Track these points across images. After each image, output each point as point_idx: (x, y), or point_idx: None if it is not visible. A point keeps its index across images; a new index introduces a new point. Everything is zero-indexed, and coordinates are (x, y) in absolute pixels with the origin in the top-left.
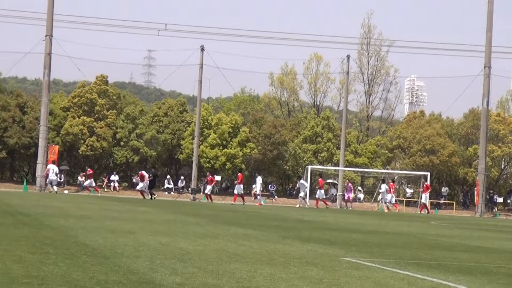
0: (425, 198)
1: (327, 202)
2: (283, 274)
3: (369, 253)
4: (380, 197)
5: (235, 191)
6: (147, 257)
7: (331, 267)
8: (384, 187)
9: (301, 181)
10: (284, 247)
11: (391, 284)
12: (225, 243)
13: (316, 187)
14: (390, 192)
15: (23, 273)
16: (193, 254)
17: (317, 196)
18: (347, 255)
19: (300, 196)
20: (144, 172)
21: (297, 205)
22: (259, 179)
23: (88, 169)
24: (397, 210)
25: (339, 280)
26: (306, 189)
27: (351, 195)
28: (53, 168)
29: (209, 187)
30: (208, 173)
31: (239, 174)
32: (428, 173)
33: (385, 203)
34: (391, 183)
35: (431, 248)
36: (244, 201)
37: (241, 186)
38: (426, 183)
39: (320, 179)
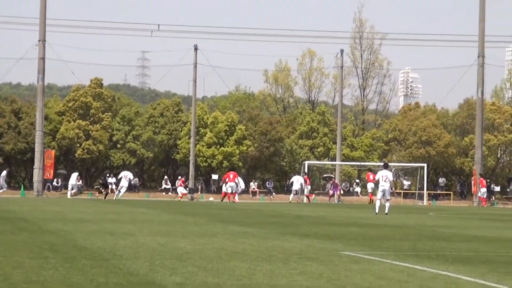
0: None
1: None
2: (283, 270)
3: (368, 246)
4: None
5: (227, 190)
6: (146, 258)
7: (330, 261)
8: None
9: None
10: (283, 243)
11: (391, 277)
12: (224, 242)
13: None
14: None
15: (23, 278)
16: (192, 253)
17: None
18: (347, 249)
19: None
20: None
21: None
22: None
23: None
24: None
25: (339, 274)
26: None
27: (337, 192)
28: (125, 175)
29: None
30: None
31: (232, 172)
32: (425, 165)
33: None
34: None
35: (430, 239)
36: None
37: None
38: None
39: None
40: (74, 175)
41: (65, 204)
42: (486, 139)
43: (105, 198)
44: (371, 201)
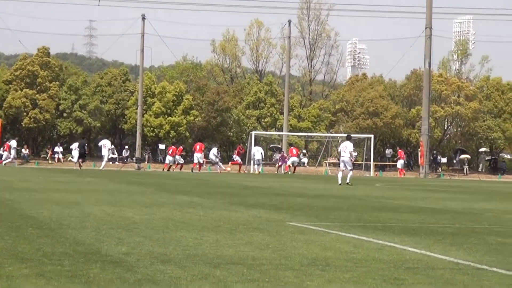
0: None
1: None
2: (229, 241)
3: (314, 217)
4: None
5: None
6: (93, 227)
7: (277, 232)
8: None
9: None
10: (229, 213)
11: (337, 247)
12: (171, 212)
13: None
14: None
15: None
16: (139, 223)
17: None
18: (293, 220)
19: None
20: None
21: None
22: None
23: None
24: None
25: (285, 245)
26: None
27: (287, 163)
28: (104, 144)
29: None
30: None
31: (199, 143)
32: (372, 136)
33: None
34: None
35: (376, 210)
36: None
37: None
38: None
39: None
40: (76, 145)
41: (12, 173)
42: (433, 111)
43: (80, 167)
44: (291, 171)
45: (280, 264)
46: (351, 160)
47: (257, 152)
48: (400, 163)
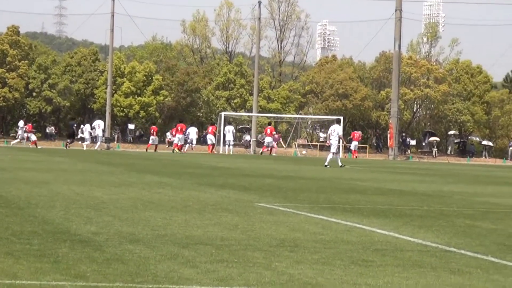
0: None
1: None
2: (198, 221)
3: (283, 198)
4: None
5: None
6: (62, 207)
7: (245, 213)
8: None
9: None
10: (198, 194)
11: (306, 229)
12: (140, 191)
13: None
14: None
15: None
16: (108, 203)
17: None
18: (262, 201)
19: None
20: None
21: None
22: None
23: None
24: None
25: (254, 226)
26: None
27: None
28: (98, 124)
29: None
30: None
31: (180, 124)
32: (341, 118)
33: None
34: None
35: (345, 192)
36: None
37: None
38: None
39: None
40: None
41: None
42: (403, 93)
43: (67, 146)
44: (270, 153)
45: (249, 244)
46: (338, 144)
47: (228, 132)
48: (353, 145)
